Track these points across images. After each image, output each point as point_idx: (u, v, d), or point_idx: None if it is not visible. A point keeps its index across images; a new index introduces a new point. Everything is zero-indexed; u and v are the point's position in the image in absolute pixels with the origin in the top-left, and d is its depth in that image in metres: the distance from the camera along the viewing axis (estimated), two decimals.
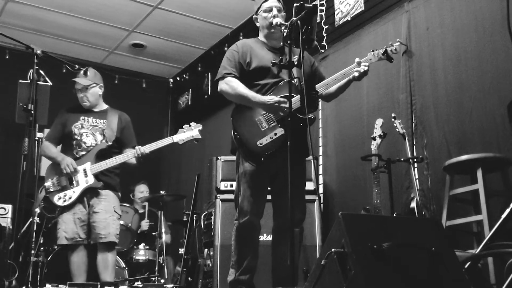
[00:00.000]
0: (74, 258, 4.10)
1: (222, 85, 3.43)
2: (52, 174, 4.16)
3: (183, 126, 4.20)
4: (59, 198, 4.08)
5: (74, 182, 4.08)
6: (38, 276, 5.11)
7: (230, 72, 3.42)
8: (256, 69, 3.43)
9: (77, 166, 4.07)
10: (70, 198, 4.07)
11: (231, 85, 3.38)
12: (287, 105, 3.17)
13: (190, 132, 4.16)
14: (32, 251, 5.07)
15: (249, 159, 3.33)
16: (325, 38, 5.55)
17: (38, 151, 4.89)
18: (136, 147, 4.14)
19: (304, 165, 3.53)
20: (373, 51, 3.42)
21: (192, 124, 4.19)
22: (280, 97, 3.26)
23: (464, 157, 3.51)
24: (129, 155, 4.14)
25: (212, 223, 4.75)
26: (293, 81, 3.12)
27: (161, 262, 5.45)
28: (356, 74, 3.32)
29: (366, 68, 3.32)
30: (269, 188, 3.47)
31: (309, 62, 3.60)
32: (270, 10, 3.48)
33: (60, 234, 4.07)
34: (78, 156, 4.16)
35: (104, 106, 4.44)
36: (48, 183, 4.12)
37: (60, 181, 4.11)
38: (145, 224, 6.03)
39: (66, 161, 4.07)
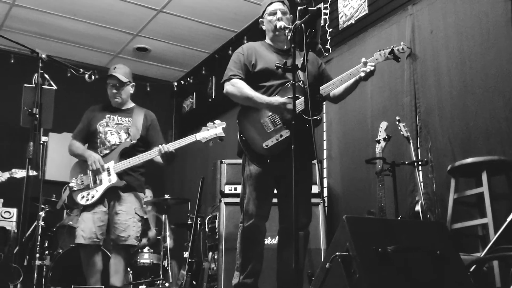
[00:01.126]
0: (88, 259, 4.00)
1: (228, 87, 3.43)
2: (77, 173, 4.10)
3: (207, 124, 4.06)
4: (82, 197, 4.02)
5: (97, 181, 4.03)
6: (43, 279, 5.13)
7: (235, 74, 3.43)
8: (261, 71, 3.43)
9: (104, 163, 4.02)
10: (93, 197, 4.00)
11: (237, 86, 3.39)
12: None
13: (214, 130, 4.03)
14: (37, 255, 5.10)
15: (255, 161, 3.33)
16: (329, 41, 5.55)
17: (43, 154, 4.88)
18: (160, 145, 4.01)
19: (311, 168, 3.53)
20: (379, 51, 3.41)
21: (216, 121, 4.07)
22: (287, 98, 3.26)
23: (469, 160, 3.51)
24: (151, 153, 4.04)
25: (217, 226, 4.75)
26: (298, 83, 3.12)
27: (166, 265, 5.46)
28: (363, 74, 3.31)
29: (372, 68, 3.31)
30: (275, 191, 3.47)
31: (316, 63, 3.60)
32: (274, 13, 3.48)
33: (78, 232, 3.99)
34: (102, 154, 4.09)
35: (131, 105, 4.38)
36: (72, 182, 4.08)
37: (84, 180, 4.06)
38: (152, 234, 6.05)
39: (94, 157, 4.02)
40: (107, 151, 4.11)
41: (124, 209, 4.04)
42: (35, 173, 4.37)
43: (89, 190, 4.04)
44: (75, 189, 4.06)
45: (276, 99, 3.28)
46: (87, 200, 4.01)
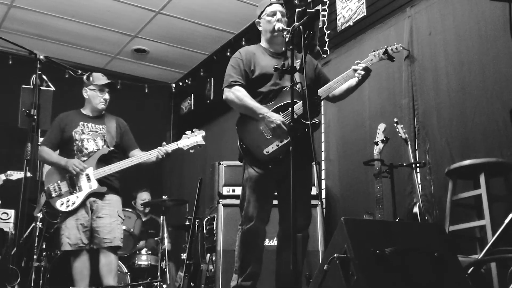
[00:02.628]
0: (76, 263, 4.04)
1: (229, 94, 3.42)
2: (53, 179, 4.11)
3: (186, 132, 4.16)
4: (62, 204, 4.03)
5: (77, 187, 4.05)
6: (40, 281, 5.11)
7: (236, 80, 3.42)
8: (258, 77, 3.43)
9: (84, 164, 4.04)
10: (73, 203, 4.02)
11: (238, 94, 3.38)
12: (285, 129, 3.18)
13: (194, 138, 4.13)
14: (34, 256, 5.08)
15: (255, 166, 3.33)
16: (327, 43, 5.56)
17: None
18: (158, 149, 4.09)
19: (310, 171, 3.53)
20: (373, 51, 3.41)
21: (195, 130, 4.16)
22: (283, 103, 3.27)
23: (466, 162, 3.50)
24: (142, 157, 4.13)
25: (215, 228, 4.75)
26: (295, 87, 3.12)
27: (163, 267, 5.45)
28: (359, 76, 3.31)
29: (364, 65, 3.31)
30: (275, 194, 3.46)
31: (312, 65, 3.60)
32: (274, 14, 3.48)
33: (63, 240, 4.03)
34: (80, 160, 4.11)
35: (102, 112, 4.42)
36: (50, 188, 4.07)
37: (62, 186, 4.07)
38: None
39: (73, 161, 4.03)
40: (85, 158, 4.13)
41: (107, 213, 4.08)
42: (30, 174, 4.37)
43: (69, 196, 4.05)
44: (52, 195, 4.06)
45: (275, 119, 3.25)
46: (67, 206, 4.03)
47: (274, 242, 3.56)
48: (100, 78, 4.32)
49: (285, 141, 3.27)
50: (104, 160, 4.14)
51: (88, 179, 4.06)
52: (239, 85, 3.41)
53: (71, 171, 4.02)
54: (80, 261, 4.05)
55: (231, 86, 3.42)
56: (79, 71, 4.41)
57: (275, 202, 3.46)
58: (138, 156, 4.17)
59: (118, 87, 4.35)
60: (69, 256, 4.11)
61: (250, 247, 3.33)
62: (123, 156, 4.28)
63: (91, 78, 4.32)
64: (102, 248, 4.03)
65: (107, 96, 4.29)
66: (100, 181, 4.09)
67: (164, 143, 4.16)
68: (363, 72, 3.30)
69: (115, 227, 4.08)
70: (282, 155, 3.25)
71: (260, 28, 3.61)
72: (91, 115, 4.32)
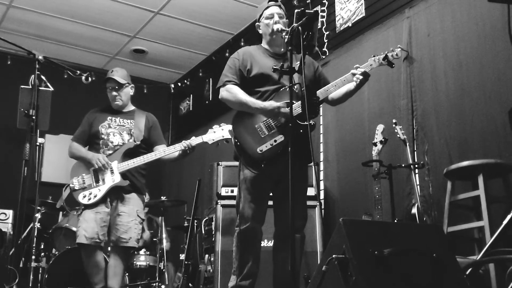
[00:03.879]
0: (90, 258, 3.94)
1: (223, 93, 3.44)
2: (78, 172, 4.07)
3: (213, 127, 4.11)
4: (84, 196, 3.98)
5: (100, 181, 4.01)
6: (39, 282, 5.11)
7: (230, 80, 3.44)
8: (256, 76, 3.44)
9: (107, 160, 4.00)
10: (95, 196, 3.97)
11: (232, 92, 3.40)
12: (286, 110, 3.18)
13: (220, 132, 4.06)
14: (33, 257, 5.08)
15: (250, 166, 3.34)
16: (326, 44, 5.56)
17: (39, 156, 4.87)
18: (183, 141, 4.03)
19: (306, 171, 3.53)
20: (373, 56, 3.42)
21: (222, 124, 4.10)
22: (282, 103, 3.27)
23: (465, 163, 3.51)
24: (165, 151, 4.06)
25: (213, 228, 4.75)
26: (293, 88, 3.12)
27: (162, 268, 5.45)
28: (357, 80, 3.32)
29: (362, 70, 3.31)
30: (270, 194, 3.47)
31: (313, 67, 3.60)
32: (271, 16, 3.50)
33: (79, 232, 3.93)
34: (105, 155, 4.08)
35: (132, 107, 4.39)
36: (73, 181, 4.04)
37: (86, 179, 4.03)
38: (146, 236, 6.03)
39: (97, 156, 4.00)
40: (110, 152, 4.09)
41: (126, 211, 4.02)
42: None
43: (91, 189, 4.01)
44: (76, 188, 4.02)
45: (271, 104, 3.29)
46: (89, 199, 3.98)
47: (271, 243, 3.55)
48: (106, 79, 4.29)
49: (279, 140, 3.28)
50: (130, 155, 4.07)
51: (112, 172, 4.01)
52: (233, 83, 3.43)
53: (94, 165, 3.99)
54: (94, 256, 3.94)
55: (225, 85, 3.44)
56: (78, 72, 4.40)
57: (270, 203, 3.46)
58: (161, 150, 4.10)
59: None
60: (80, 252, 4.00)
61: (247, 247, 3.33)
62: (150, 152, 4.19)
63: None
64: (116, 246, 3.97)
65: (114, 93, 4.23)
66: (124, 175, 4.03)
67: (193, 137, 4.10)
68: (361, 77, 3.31)
69: (132, 226, 4.00)
70: (276, 155, 3.26)
71: (260, 31, 3.63)
72: (119, 110, 4.29)
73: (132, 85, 4.40)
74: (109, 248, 4.28)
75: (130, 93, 4.37)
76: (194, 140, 4.05)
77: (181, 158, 4.16)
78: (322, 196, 5.16)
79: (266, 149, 3.28)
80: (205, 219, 5.36)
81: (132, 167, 4.04)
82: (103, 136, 4.14)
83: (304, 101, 3.10)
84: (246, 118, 3.38)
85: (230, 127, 4.03)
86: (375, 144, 4.01)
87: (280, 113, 3.25)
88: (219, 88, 3.49)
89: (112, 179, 4.01)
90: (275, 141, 3.29)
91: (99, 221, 3.95)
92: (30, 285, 4.99)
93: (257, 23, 3.63)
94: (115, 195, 4.04)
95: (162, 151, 4.10)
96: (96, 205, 3.99)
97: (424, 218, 3.84)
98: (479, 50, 4.00)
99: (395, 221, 3.95)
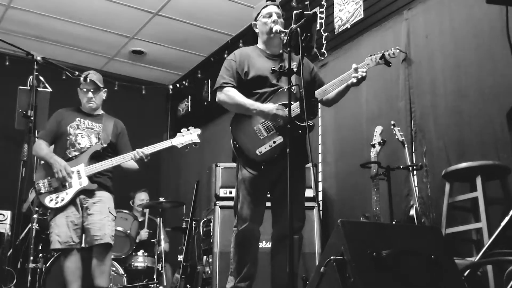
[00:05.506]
0: (67, 263, 3.95)
1: (220, 95, 3.44)
2: (44, 175, 4.03)
3: (181, 130, 4.11)
4: (51, 200, 3.95)
5: (67, 184, 3.96)
6: (37, 283, 5.10)
7: (227, 82, 3.43)
8: (254, 79, 3.43)
9: (70, 170, 3.96)
10: (62, 200, 3.94)
11: (229, 94, 3.39)
12: (285, 113, 3.18)
13: (189, 136, 4.07)
14: (31, 258, 5.07)
15: (249, 167, 3.33)
16: (324, 45, 5.56)
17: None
18: (136, 150, 4.03)
19: (304, 172, 3.52)
20: (370, 55, 3.42)
21: (191, 128, 4.11)
22: (279, 105, 3.27)
23: (463, 165, 3.51)
24: (125, 157, 4.04)
25: (211, 230, 4.74)
26: (291, 89, 3.12)
27: (160, 269, 5.44)
28: (354, 80, 3.32)
29: (363, 74, 3.32)
30: (268, 195, 3.47)
31: (309, 68, 3.60)
32: (270, 15, 3.48)
33: (53, 238, 3.93)
34: (70, 156, 4.06)
35: (101, 111, 4.37)
36: (39, 184, 3.99)
37: (52, 182, 3.98)
38: (144, 234, 6.02)
39: (60, 165, 3.94)
40: (77, 153, 4.07)
41: (98, 209, 4.01)
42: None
43: (58, 193, 3.97)
44: (42, 191, 3.98)
45: (268, 106, 3.29)
46: (56, 203, 3.95)
47: (269, 244, 3.55)
48: (85, 78, 4.26)
49: (278, 142, 3.28)
50: (96, 158, 4.07)
51: (79, 175, 3.99)
52: (230, 86, 3.42)
53: (56, 174, 3.94)
54: (72, 260, 3.95)
55: (222, 88, 3.43)
56: (76, 72, 4.39)
57: (268, 204, 3.46)
58: (128, 154, 4.08)
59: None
60: (61, 256, 4.02)
61: (245, 248, 3.33)
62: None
63: (88, 80, 4.31)
64: (93, 246, 3.96)
65: (90, 94, 4.20)
66: (91, 178, 4.02)
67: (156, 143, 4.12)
68: (364, 74, 3.31)
69: (106, 223, 4.00)
70: (275, 156, 3.25)
71: (256, 30, 3.61)
72: (89, 113, 4.28)
73: (106, 89, 4.39)
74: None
75: (103, 97, 4.36)
76: (162, 145, 4.06)
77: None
78: (320, 197, 5.16)
79: (265, 151, 3.28)
80: (203, 220, 5.35)
81: (100, 170, 4.04)
82: (70, 136, 4.12)
83: (302, 102, 3.10)
84: (244, 120, 3.38)
85: (198, 131, 4.12)
86: (373, 146, 4.01)
87: (278, 115, 3.25)
88: (215, 90, 3.48)
89: (79, 182, 3.98)
90: (274, 142, 3.29)
91: (70, 224, 3.95)
92: (28, 286, 4.98)
93: (253, 22, 3.61)
94: (84, 196, 4.02)
95: (127, 154, 4.07)
96: (65, 208, 3.97)
97: (422, 220, 3.84)
98: (477, 52, 4.00)
99: (393, 222, 3.94)
